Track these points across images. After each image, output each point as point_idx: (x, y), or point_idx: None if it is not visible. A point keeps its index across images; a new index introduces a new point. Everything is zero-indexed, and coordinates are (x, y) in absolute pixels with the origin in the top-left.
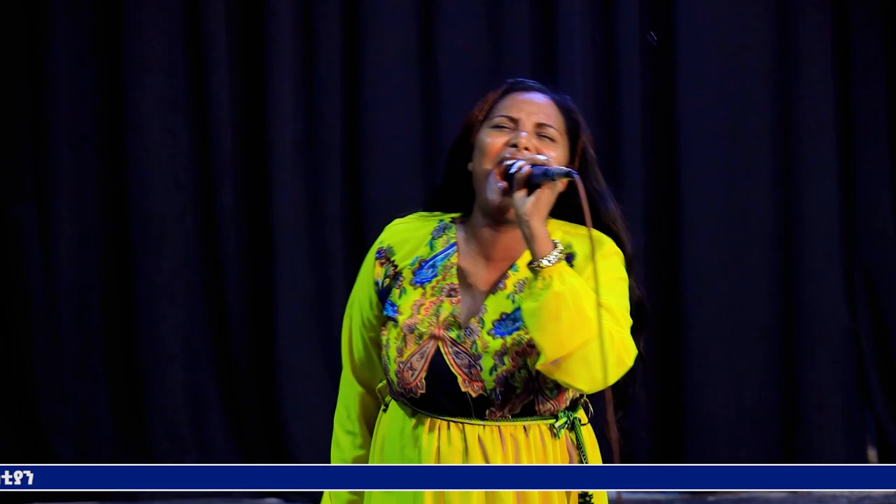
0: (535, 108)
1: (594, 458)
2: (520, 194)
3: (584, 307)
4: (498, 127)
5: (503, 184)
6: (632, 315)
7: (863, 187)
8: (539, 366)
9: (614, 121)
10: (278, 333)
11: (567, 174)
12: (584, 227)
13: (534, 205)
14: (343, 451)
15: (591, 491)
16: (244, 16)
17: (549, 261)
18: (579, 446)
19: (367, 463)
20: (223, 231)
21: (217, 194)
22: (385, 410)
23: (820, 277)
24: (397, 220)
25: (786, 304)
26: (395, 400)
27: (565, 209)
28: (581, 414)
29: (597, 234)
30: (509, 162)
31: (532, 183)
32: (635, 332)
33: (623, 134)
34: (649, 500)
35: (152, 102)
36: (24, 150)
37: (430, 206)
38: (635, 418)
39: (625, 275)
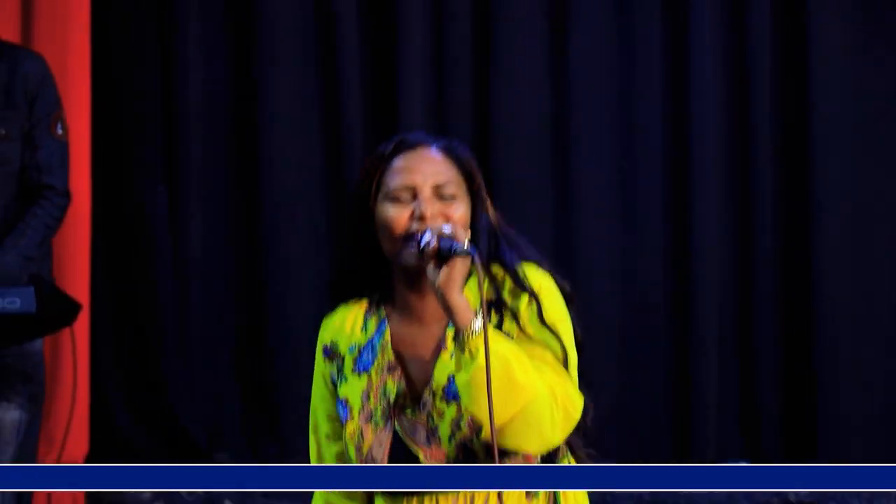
0: (428, 167)
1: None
2: (430, 268)
3: (514, 374)
4: (396, 200)
5: (416, 251)
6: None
7: None
8: (484, 436)
9: (745, 122)
10: None
11: (466, 253)
12: (533, 275)
13: (447, 276)
14: None
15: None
16: (375, 3)
17: (472, 332)
18: (556, 501)
19: None
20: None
21: (347, 182)
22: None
23: None
24: (328, 315)
25: None
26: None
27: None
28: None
29: (534, 272)
30: (418, 236)
31: (443, 255)
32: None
33: (754, 136)
34: None
35: (283, 86)
36: (156, 135)
37: (339, 293)
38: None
39: (565, 312)
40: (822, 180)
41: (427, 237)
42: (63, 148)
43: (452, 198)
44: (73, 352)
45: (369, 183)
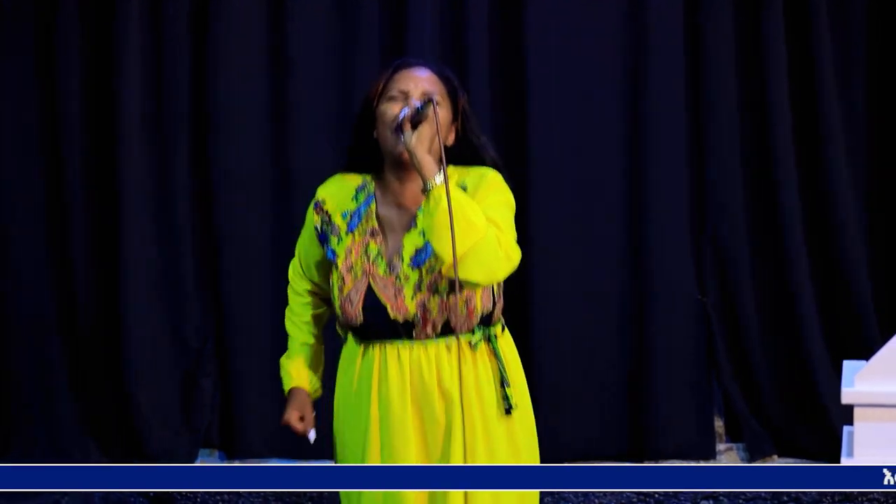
0: (420, 80)
1: (513, 361)
2: (406, 132)
3: (469, 215)
4: (392, 98)
5: (396, 128)
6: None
7: (711, 157)
8: (443, 271)
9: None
10: (125, 303)
11: (428, 101)
12: (476, 167)
13: (416, 138)
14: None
15: (511, 392)
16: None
17: (435, 182)
18: (496, 354)
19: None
20: (70, 202)
21: (65, 165)
22: (345, 342)
23: (669, 248)
24: (326, 182)
25: (635, 275)
26: (349, 332)
27: (464, 155)
28: (498, 330)
29: (487, 169)
30: (400, 114)
31: (415, 122)
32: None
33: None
34: None
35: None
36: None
37: (347, 168)
38: None
39: (512, 202)
40: (536, 151)
41: (404, 111)
42: None
43: (437, 103)
44: None
45: (374, 91)
